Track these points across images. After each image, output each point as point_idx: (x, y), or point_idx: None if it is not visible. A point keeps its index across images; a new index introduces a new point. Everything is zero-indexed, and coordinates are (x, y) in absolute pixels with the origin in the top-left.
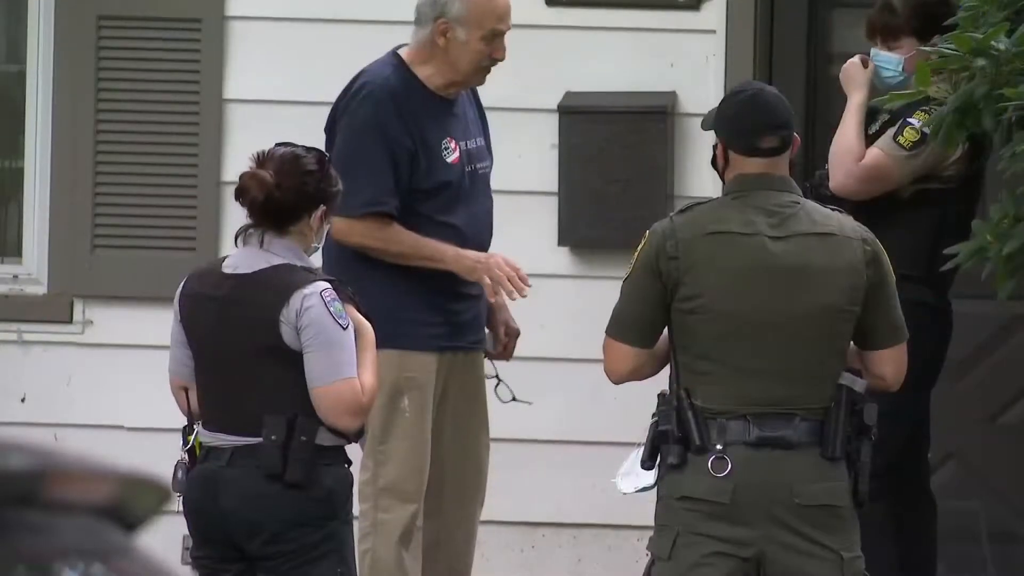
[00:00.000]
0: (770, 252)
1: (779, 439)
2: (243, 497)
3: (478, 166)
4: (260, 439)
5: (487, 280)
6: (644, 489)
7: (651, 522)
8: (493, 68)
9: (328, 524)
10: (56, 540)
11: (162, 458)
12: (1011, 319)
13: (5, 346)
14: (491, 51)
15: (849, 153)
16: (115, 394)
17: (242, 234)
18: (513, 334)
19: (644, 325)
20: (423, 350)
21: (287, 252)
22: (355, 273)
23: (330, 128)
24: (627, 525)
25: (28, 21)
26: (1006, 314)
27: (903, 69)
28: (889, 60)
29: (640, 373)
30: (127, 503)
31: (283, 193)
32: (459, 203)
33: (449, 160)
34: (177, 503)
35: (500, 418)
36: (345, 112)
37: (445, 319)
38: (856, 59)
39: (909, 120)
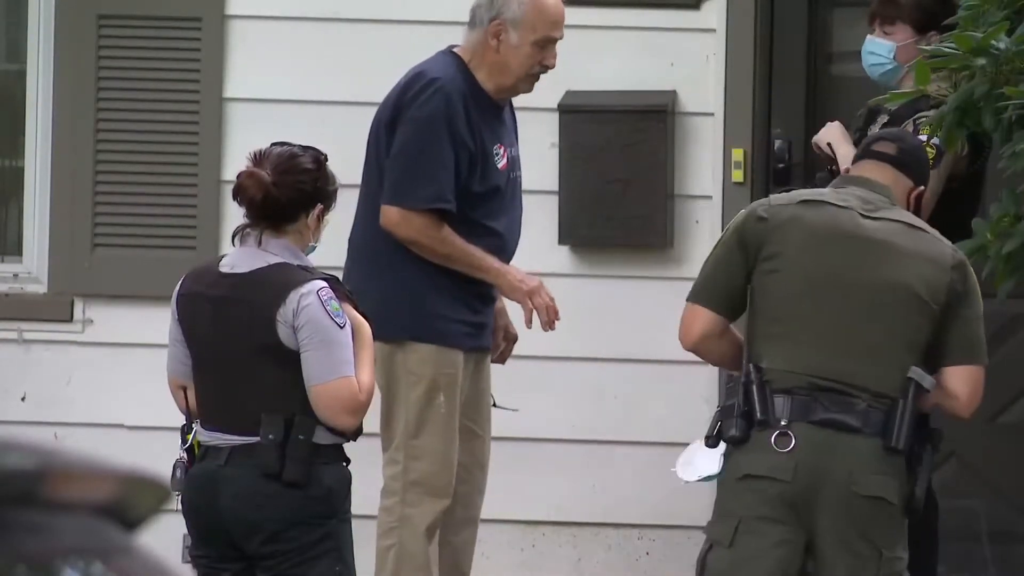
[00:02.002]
0: (858, 223)
1: (842, 422)
2: (241, 496)
3: (517, 173)
4: (258, 438)
5: (530, 304)
6: (707, 478)
7: (651, 521)
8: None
9: (327, 523)
10: (56, 539)
11: (162, 457)
12: (1011, 318)
13: (5, 345)
14: (542, 58)
15: None
16: (115, 393)
17: (239, 233)
18: (512, 339)
19: (720, 289)
20: (457, 348)
21: (284, 251)
22: (392, 264)
23: (389, 122)
24: (627, 524)
25: (28, 21)
26: (1006, 313)
27: (894, 57)
28: (881, 46)
29: (710, 342)
30: (127, 502)
31: (280, 192)
32: (502, 209)
33: (499, 166)
34: (176, 502)
35: (501, 417)
36: (411, 106)
37: (475, 320)
38: (824, 130)
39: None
